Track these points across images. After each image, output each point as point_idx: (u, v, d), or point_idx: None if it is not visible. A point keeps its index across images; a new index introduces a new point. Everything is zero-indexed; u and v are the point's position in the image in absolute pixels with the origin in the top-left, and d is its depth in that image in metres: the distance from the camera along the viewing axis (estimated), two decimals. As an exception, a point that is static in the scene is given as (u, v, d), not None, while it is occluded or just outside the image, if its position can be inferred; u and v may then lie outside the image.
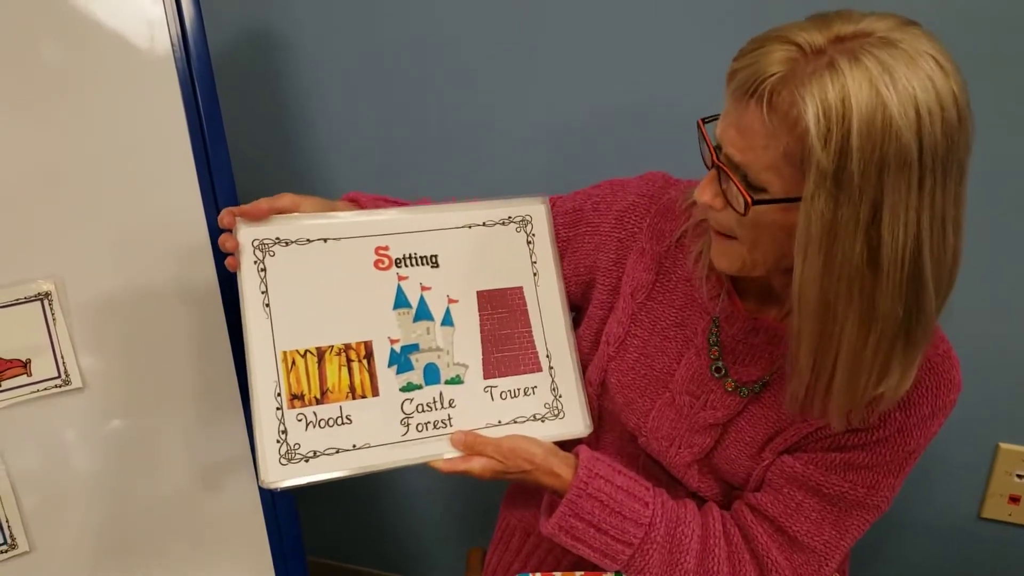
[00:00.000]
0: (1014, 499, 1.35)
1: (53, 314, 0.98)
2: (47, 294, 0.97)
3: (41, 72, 0.95)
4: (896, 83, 0.63)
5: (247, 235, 0.90)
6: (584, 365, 0.99)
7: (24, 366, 0.98)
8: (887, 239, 0.66)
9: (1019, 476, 1.33)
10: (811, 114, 0.64)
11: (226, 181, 1.06)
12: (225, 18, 1.45)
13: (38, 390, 0.99)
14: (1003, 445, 1.33)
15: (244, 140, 1.44)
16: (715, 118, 0.76)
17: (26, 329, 0.97)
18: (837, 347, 0.72)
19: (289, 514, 1.19)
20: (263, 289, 0.89)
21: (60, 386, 1.00)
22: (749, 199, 0.71)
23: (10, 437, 0.99)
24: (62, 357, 0.99)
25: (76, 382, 1.00)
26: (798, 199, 0.68)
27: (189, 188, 1.04)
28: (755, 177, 0.71)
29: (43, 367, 0.99)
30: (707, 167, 0.78)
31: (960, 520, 1.41)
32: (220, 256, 1.06)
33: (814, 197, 0.66)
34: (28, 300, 0.97)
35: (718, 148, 0.75)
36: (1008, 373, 1.28)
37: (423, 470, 0.89)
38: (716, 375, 0.90)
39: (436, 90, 1.40)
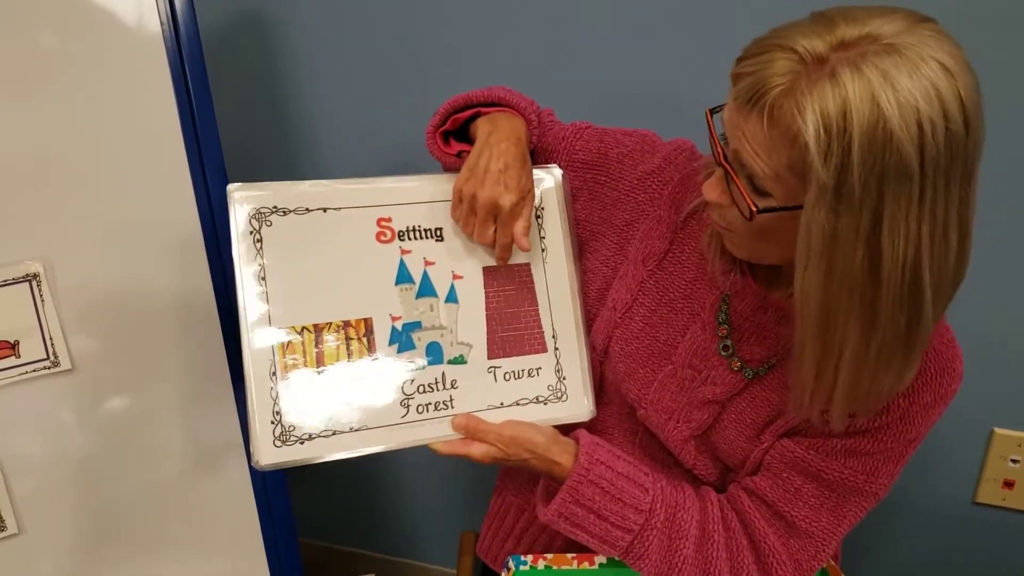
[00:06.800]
0: (1008, 484, 1.35)
1: (41, 295, 0.97)
2: (35, 275, 0.96)
3: (28, 53, 0.93)
4: (898, 95, 0.62)
5: (242, 202, 0.86)
6: (591, 321, 0.97)
7: (12, 348, 0.97)
8: (887, 249, 0.65)
9: (1014, 461, 1.33)
10: (811, 130, 0.63)
11: (216, 162, 1.05)
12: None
13: (27, 372, 0.98)
14: (998, 430, 1.33)
15: (234, 121, 1.43)
16: (723, 107, 0.74)
17: (14, 310, 0.96)
18: (839, 355, 0.72)
19: (281, 496, 1.18)
20: (259, 261, 0.85)
21: (49, 368, 0.99)
22: (754, 208, 0.71)
23: (-1, 419, 0.98)
24: (51, 339, 0.98)
25: (65, 364, 1.00)
26: (800, 207, 0.67)
27: (179, 170, 1.03)
28: (760, 183, 0.71)
29: (32, 349, 0.98)
30: (716, 162, 0.77)
31: (955, 505, 1.41)
32: (211, 237, 1.06)
33: (815, 208, 0.65)
34: (16, 281, 0.96)
35: (725, 142, 0.74)
36: (1003, 359, 1.28)
37: (418, 452, 0.88)
38: (724, 353, 0.89)
39: (433, 72, 1.39)
